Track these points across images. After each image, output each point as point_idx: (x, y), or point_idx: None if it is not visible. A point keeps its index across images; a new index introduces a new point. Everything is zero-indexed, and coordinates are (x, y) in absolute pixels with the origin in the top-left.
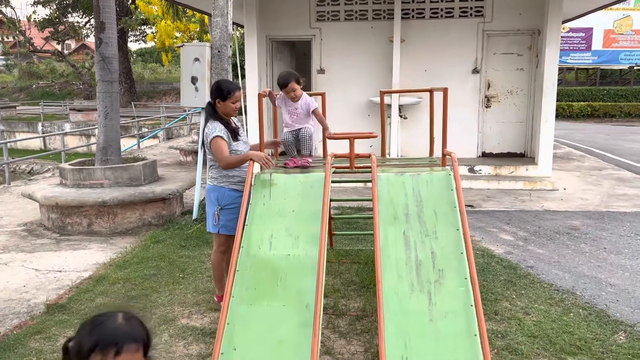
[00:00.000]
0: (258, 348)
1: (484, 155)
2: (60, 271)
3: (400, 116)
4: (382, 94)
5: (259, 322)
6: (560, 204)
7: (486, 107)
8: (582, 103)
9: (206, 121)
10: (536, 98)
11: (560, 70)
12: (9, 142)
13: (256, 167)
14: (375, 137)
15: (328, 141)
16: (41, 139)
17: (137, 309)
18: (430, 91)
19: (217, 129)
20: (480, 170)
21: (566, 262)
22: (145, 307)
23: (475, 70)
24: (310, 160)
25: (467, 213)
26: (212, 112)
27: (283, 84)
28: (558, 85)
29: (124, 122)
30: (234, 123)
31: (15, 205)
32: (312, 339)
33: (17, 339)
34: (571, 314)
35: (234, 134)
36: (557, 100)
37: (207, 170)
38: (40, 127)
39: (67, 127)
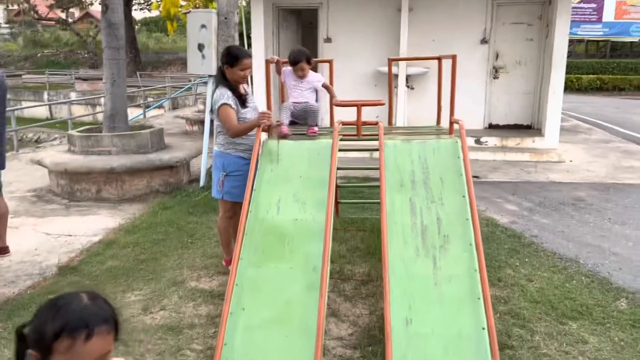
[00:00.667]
0: (266, 308)
1: (491, 126)
2: (70, 235)
3: (408, 86)
4: (390, 61)
5: (267, 283)
6: (566, 176)
7: (494, 78)
8: (591, 76)
9: (215, 87)
10: (545, 69)
11: (570, 42)
12: (16, 109)
13: (263, 135)
14: (383, 104)
15: (335, 110)
16: (47, 108)
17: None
18: (439, 59)
19: (224, 96)
20: (486, 141)
21: (570, 231)
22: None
23: (484, 41)
24: (316, 129)
25: (473, 183)
26: (221, 78)
27: (294, 62)
28: (567, 57)
29: (129, 92)
30: (244, 89)
31: (24, 172)
32: (319, 299)
33: (32, 298)
34: (574, 281)
35: (242, 100)
36: (566, 73)
37: (215, 136)
38: (46, 96)
39: (73, 96)
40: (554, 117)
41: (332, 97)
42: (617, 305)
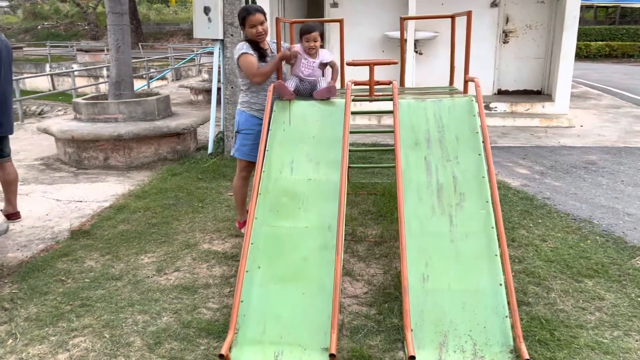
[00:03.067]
0: (282, 266)
1: (500, 92)
2: (80, 201)
3: (416, 52)
4: (402, 20)
5: (282, 242)
6: (576, 140)
7: (504, 42)
8: (600, 43)
9: None
10: (556, 33)
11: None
12: (20, 78)
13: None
14: (396, 63)
15: (346, 71)
16: (49, 81)
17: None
18: (452, 17)
19: (243, 47)
20: (495, 107)
21: (583, 194)
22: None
23: (494, 4)
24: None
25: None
26: (244, 37)
27: (307, 31)
28: None
29: (132, 63)
30: (270, 48)
31: (30, 141)
32: (335, 257)
33: (45, 260)
34: (588, 241)
35: (261, 54)
36: None
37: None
38: (48, 68)
39: (75, 67)
40: (564, 81)
41: (333, 78)
42: (632, 263)
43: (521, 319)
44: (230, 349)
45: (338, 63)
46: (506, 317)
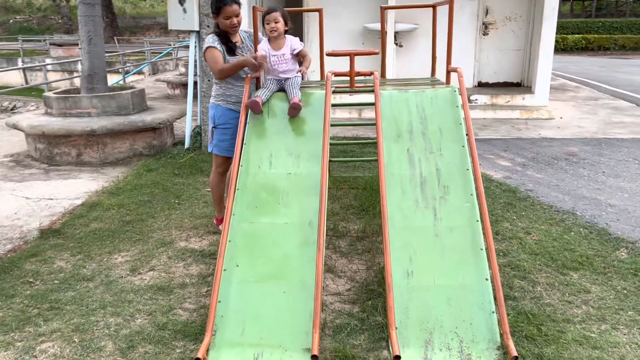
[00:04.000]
0: (261, 264)
1: (480, 85)
2: (51, 199)
3: (396, 44)
4: (383, 9)
5: (261, 239)
6: (557, 132)
7: (483, 34)
8: (576, 36)
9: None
10: (535, 24)
11: None
12: None
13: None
14: (377, 53)
15: (326, 62)
16: (22, 75)
17: None
18: (434, 6)
19: (210, 40)
20: (476, 99)
21: (565, 185)
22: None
23: None
24: (298, 101)
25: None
26: (215, 25)
27: (266, 13)
28: None
29: (107, 57)
30: (240, 39)
31: None
32: (317, 253)
33: (12, 261)
34: (572, 233)
35: (229, 48)
36: None
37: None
38: (20, 63)
39: (48, 62)
40: (544, 73)
41: (304, 66)
42: (617, 255)
43: (508, 314)
44: (207, 351)
45: (317, 54)
46: (492, 312)
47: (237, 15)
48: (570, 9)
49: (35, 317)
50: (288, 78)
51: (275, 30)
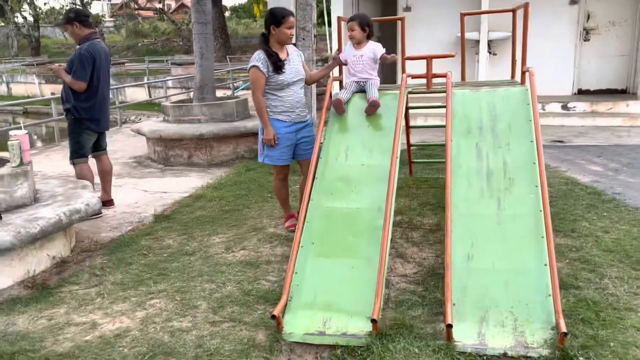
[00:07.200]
0: (334, 243)
1: (580, 92)
2: (165, 192)
3: (490, 52)
4: (463, 16)
5: (335, 221)
6: None
7: (585, 40)
8: None
9: None
10: None
11: None
12: (119, 87)
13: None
14: (454, 56)
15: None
16: (147, 93)
17: None
18: (513, 11)
19: (256, 58)
20: (574, 107)
21: None
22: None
23: (573, 1)
24: (376, 100)
25: (556, 147)
26: (262, 42)
27: (348, 20)
28: None
29: (219, 74)
30: (287, 52)
31: (126, 143)
32: (382, 233)
33: (131, 238)
34: None
35: (277, 66)
36: None
37: None
38: (146, 80)
39: (169, 78)
40: None
41: (391, 61)
42: None
43: (567, 300)
44: (283, 314)
45: (400, 59)
46: (549, 295)
47: (294, 26)
48: None
49: (147, 280)
50: (367, 80)
51: (353, 38)
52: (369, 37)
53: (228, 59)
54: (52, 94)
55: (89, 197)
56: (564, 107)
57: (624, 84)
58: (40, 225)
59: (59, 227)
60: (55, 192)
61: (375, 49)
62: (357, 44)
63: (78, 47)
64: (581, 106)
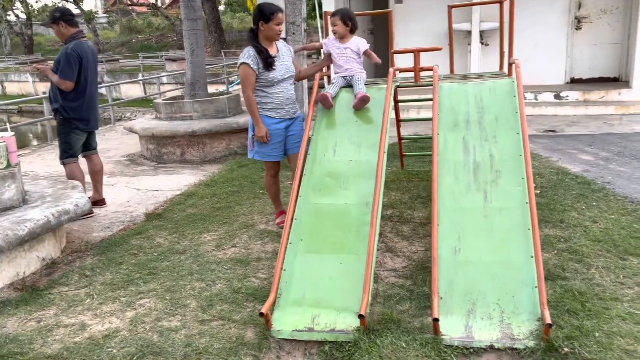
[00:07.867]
0: (322, 239)
1: (573, 81)
2: (157, 190)
3: (482, 43)
4: (450, 8)
5: (323, 217)
6: None
7: (576, 29)
8: None
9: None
10: (633, 15)
11: None
12: (111, 84)
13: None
14: (440, 49)
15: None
16: (142, 89)
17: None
18: (500, 2)
19: (246, 55)
20: (567, 96)
21: None
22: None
23: None
24: (366, 94)
25: (548, 137)
26: (251, 38)
27: (331, 15)
28: None
29: (213, 68)
30: (276, 48)
31: (119, 141)
32: (370, 229)
33: (122, 237)
34: None
35: (268, 63)
36: None
37: None
38: (140, 77)
39: (163, 74)
40: None
41: (374, 61)
42: None
43: (554, 291)
44: (272, 311)
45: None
46: (535, 287)
47: (283, 22)
48: None
49: (137, 279)
50: (353, 74)
51: (336, 32)
52: (352, 32)
53: (223, 54)
54: (44, 92)
55: (78, 197)
56: (557, 96)
57: (616, 72)
58: (28, 227)
59: (47, 228)
60: (44, 193)
61: (359, 43)
62: (340, 38)
63: (64, 46)
64: (574, 95)
